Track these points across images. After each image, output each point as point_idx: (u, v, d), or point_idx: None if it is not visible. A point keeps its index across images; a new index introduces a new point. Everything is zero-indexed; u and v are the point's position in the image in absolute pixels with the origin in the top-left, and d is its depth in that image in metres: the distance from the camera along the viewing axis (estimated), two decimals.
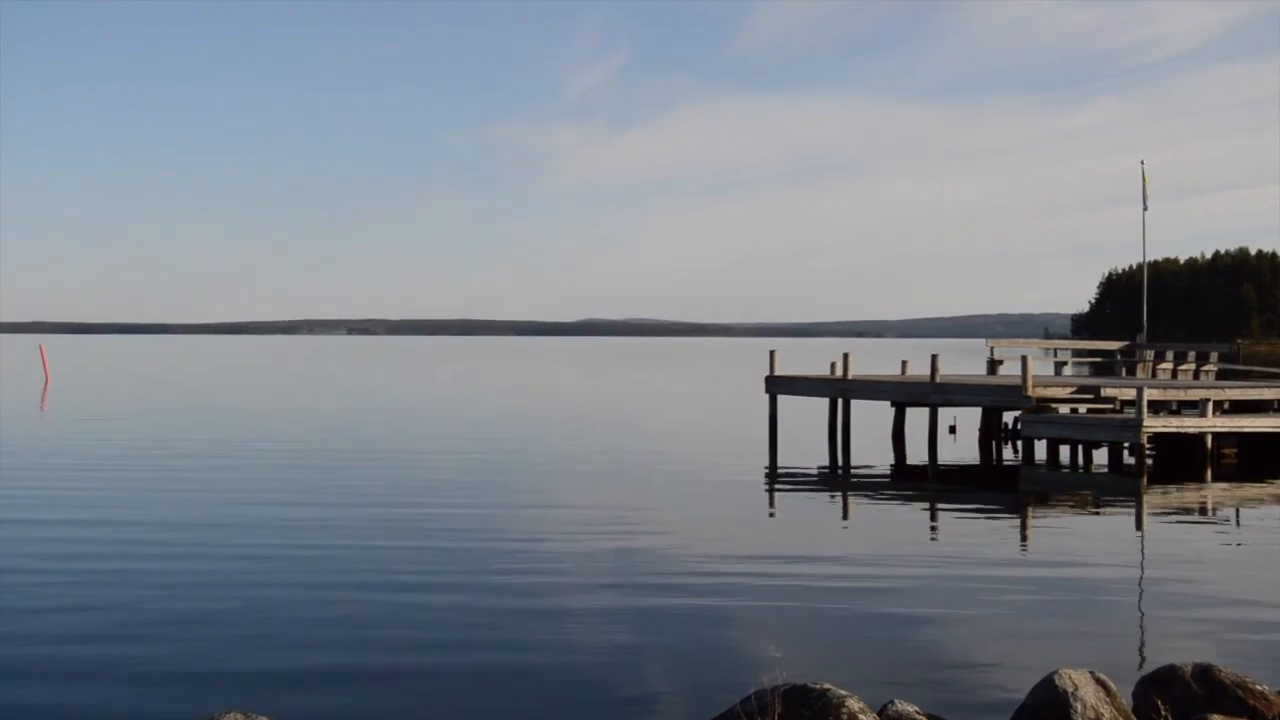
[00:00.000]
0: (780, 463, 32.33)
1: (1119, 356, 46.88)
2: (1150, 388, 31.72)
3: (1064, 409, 33.58)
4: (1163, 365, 42.87)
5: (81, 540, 19.10)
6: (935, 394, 34.63)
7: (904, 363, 42.74)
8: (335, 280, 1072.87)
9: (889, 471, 31.30)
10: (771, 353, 39.99)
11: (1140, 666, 11.30)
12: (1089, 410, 33.53)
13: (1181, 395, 33.65)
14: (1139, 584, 16.56)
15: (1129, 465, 30.36)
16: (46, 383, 73.43)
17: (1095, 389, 33.43)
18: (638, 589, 15.73)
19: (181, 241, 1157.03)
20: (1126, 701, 9.01)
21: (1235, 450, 31.42)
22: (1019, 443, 33.36)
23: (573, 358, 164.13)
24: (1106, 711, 8.58)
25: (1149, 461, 30.02)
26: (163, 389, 72.30)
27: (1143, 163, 48.22)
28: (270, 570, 16.83)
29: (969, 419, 39.68)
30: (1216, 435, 30.50)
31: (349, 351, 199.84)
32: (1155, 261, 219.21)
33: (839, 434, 36.82)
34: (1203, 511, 24.60)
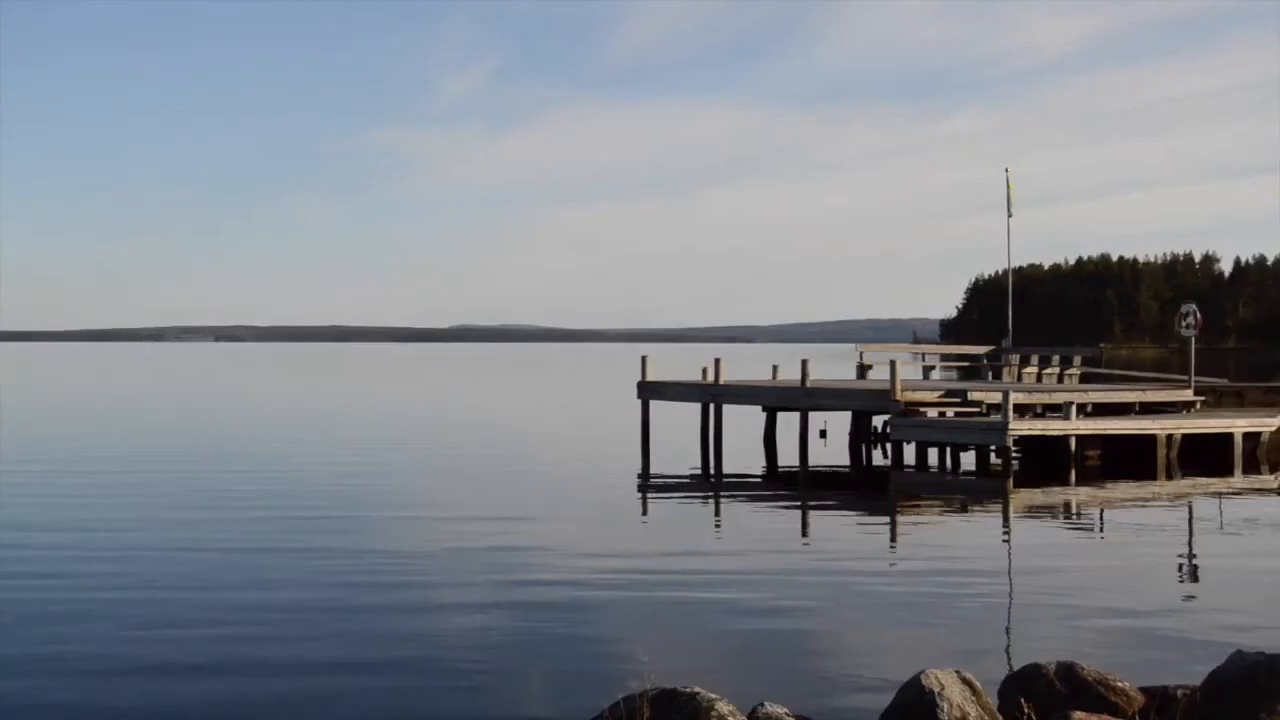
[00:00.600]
0: (652, 468, 32.34)
1: (985, 361, 47.52)
2: (1016, 391, 32.18)
3: (932, 413, 33.98)
4: (1028, 369, 43.54)
5: None
6: (805, 398, 34.86)
7: (775, 368, 42.97)
8: (203, 286, 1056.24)
9: (760, 475, 31.44)
10: (643, 358, 39.98)
11: (1007, 665, 11.41)
12: (956, 414, 33.93)
13: (1046, 399, 34.20)
14: (1005, 584, 16.75)
15: (996, 467, 30.78)
16: None
17: (962, 393, 33.85)
18: (506, 594, 15.60)
19: (45, 246, 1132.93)
20: (992, 700, 9.07)
21: (1098, 452, 31.95)
22: (888, 446, 33.67)
23: (445, 365, 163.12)
24: (972, 710, 8.63)
25: (1015, 464, 30.46)
26: (24, 398, 70.68)
27: (1007, 170, 48.71)
28: (134, 574, 16.46)
29: (839, 423, 40.00)
30: (1080, 437, 30.99)
31: (217, 359, 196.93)
32: (1020, 268, 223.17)
33: (711, 439, 36.89)
34: (1067, 512, 25.00)
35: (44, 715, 10.67)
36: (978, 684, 8.96)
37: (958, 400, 33.67)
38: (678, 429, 39.20)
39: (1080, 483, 28.70)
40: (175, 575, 16.81)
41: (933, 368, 50.38)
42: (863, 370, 44.28)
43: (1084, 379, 42.20)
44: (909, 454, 32.88)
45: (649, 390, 39.34)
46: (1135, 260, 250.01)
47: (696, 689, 8.78)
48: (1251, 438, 32.99)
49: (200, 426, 46.25)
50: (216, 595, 15.50)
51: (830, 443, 38.33)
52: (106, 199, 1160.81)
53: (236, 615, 14.31)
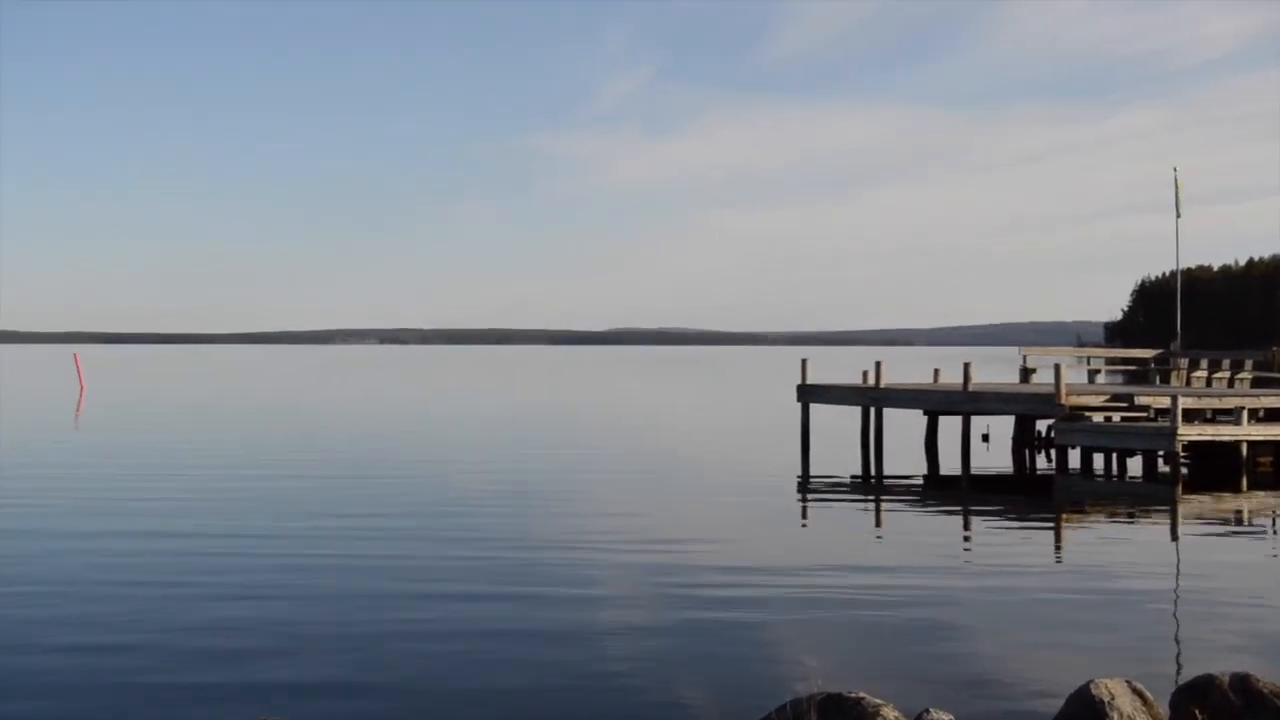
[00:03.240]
0: (812, 472, 32.28)
1: (1153, 364, 46.61)
2: (1185, 396, 31.54)
3: (1098, 417, 33.44)
4: (1197, 373, 42.63)
5: (110, 550, 19.19)
6: (968, 402, 34.53)
7: (936, 371, 42.62)
8: (367, 290, 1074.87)
9: (922, 480, 31.24)
10: (803, 361, 39.93)
11: (1177, 676, 11.25)
12: (1123, 419, 33.37)
13: (1216, 403, 33.46)
14: (1175, 593, 16.48)
15: (1164, 474, 30.20)
16: (81, 392, 73.92)
17: (1129, 397, 33.28)
18: (670, 599, 15.73)
19: (214, 251, 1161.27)
20: (1163, 711, 8.97)
21: (1271, 459, 31.24)
22: (1053, 451, 33.22)
23: (605, 367, 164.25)
24: None
25: (1184, 470, 29.88)
26: (196, 399, 72.62)
27: (1175, 169, 47.76)
28: (297, 580, 16.88)
29: (1002, 428, 39.56)
30: (1252, 443, 30.32)
31: (381, 361, 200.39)
32: (1189, 269, 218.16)
33: (871, 443, 36.73)
34: (1238, 520, 24.47)
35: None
36: (1148, 694, 8.87)
37: (1124, 405, 33.11)
38: (838, 432, 39.10)
39: (1252, 490, 28.07)
40: (339, 578, 17.22)
41: (1098, 371, 49.46)
42: (1026, 374, 43.70)
43: (1255, 383, 41.17)
44: (1074, 459, 32.43)
45: (809, 393, 39.28)
46: None
47: (862, 694, 8.82)
48: None
49: (364, 429, 47.10)
50: (372, 603, 15.83)
51: (993, 447, 37.93)
52: (275, 202, 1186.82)
53: (388, 619, 14.62)
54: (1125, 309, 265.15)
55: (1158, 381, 44.30)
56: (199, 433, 44.14)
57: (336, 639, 13.43)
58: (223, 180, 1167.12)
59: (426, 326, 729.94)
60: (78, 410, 58.33)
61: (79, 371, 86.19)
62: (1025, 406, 34.48)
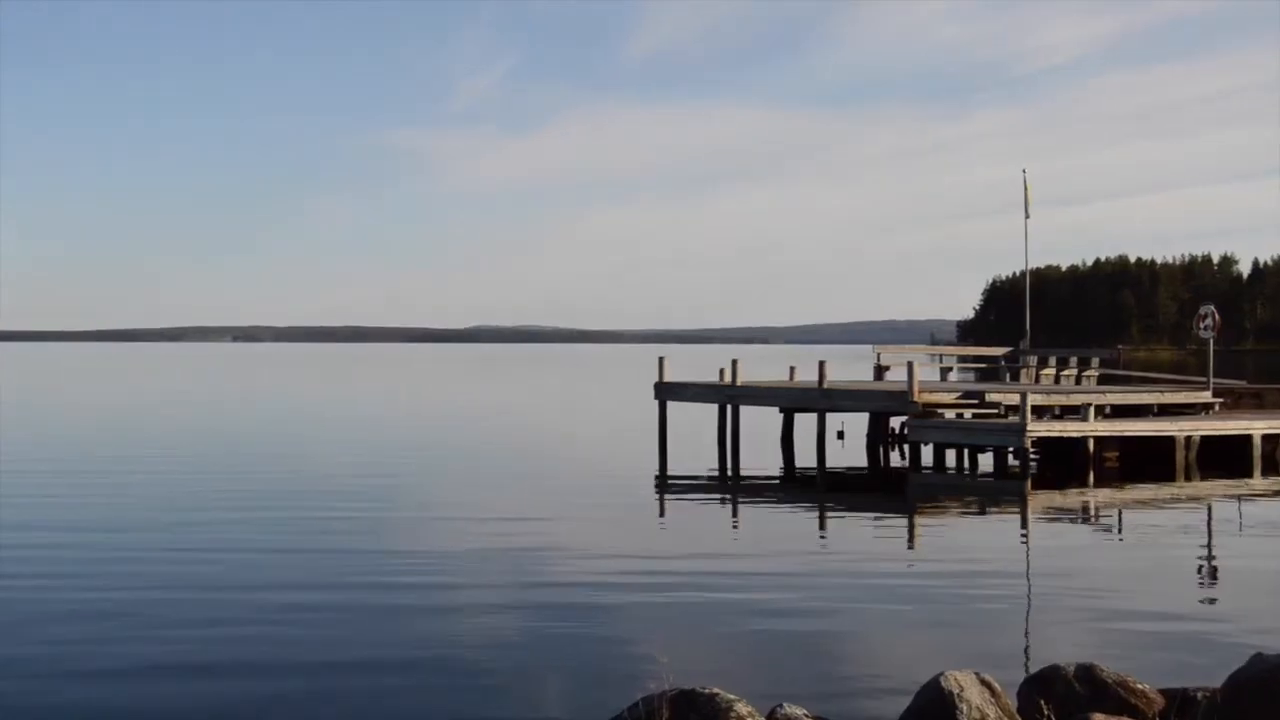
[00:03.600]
0: (670, 469, 32.33)
1: (1003, 362, 47.38)
2: (1034, 393, 32.14)
3: (950, 414, 33.95)
4: (1046, 371, 43.42)
5: None
6: (823, 400, 34.84)
7: (792, 369, 43.00)
8: (221, 286, 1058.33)
9: (778, 477, 31.43)
10: (660, 359, 40.01)
11: (1025, 667, 11.40)
12: (974, 415, 33.91)
13: (1064, 400, 34.15)
14: (1024, 586, 16.73)
15: (1014, 469, 30.74)
16: None
17: (980, 394, 33.80)
18: (523, 594, 15.63)
19: (63, 245, 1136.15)
20: (1011, 702, 9.06)
21: (1117, 454, 31.88)
22: (906, 447, 33.63)
23: (463, 365, 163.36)
24: (991, 712, 8.62)
25: (1033, 465, 30.43)
26: (39, 400, 70.94)
27: (1025, 171, 48.67)
28: (151, 574, 16.51)
29: (856, 424, 39.97)
30: (1099, 439, 30.94)
31: (235, 359, 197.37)
32: (1038, 269, 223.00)
33: (728, 440, 36.89)
34: (1085, 514, 24.95)
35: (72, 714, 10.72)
36: (997, 685, 8.95)
37: (975, 402, 33.63)
38: (695, 430, 39.21)
39: (1099, 485, 28.62)
40: (191, 576, 16.85)
41: (950, 369, 50.29)
42: (880, 372, 44.23)
43: (1102, 380, 42.06)
44: (927, 455, 32.86)
45: (666, 391, 39.36)
46: (1153, 261, 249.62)
47: (715, 690, 8.79)
48: (1271, 439, 32.85)
49: (218, 427, 46.35)
50: (228, 596, 15.52)
51: (848, 444, 38.28)
52: (126, 199, 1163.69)
53: (252, 616, 14.34)
54: (977, 308, 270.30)
55: (1008, 379, 45.07)
56: (51, 434, 43.08)
57: (165, 628, 13.15)
58: (73, 175, 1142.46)
59: (281, 324, 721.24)
60: None
61: None
62: (879, 404, 34.89)
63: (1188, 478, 30.00)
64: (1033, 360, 44.76)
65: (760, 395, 37.81)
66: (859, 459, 35.40)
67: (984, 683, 8.90)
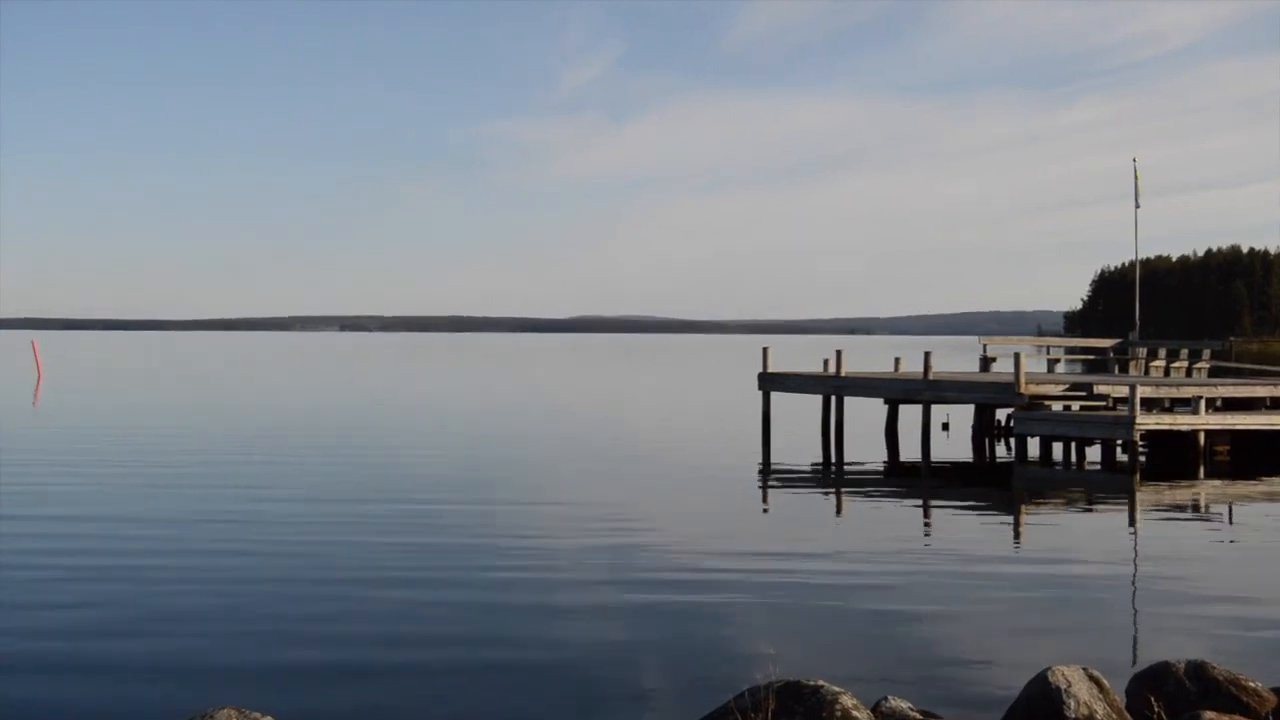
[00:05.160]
0: (773, 460, 32.31)
1: (1112, 354, 46.90)
2: (1143, 385, 31.74)
3: (1057, 406, 33.60)
4: (1155, 363, 42.90)
5: (71, 536, 19.08)
6: (928, 391, 34.66)
7: (897, 360, 42.77)
8: (328, 277, 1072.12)
9: (882, 468, 31.31)
10: (765, 349, 40.03)
11: (1134, 663, 11.31)
12: (1082, 408, 33.55)
13: (1174, 393, 33.69)
14: (1132, 581, 16.57)
15: (1122, 462, 30.41)
16: (39, 378, 73.38)
17: (1088, 386, 33.45)
18: (631, 586, 15.72)
19: (174, 238, 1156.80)
20: (1120, 698, 9.01)
21: (1228, 448, 31.46)
22: (1012, 440, 33.40)
23: (567, 355, 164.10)
24: (1099, 708, 8.58)
25: (1142, 459, 30.07)
26: (156, 385, 72.22)
27: (1135, 160, 48.21)
28: (265, 566, 16.81)
29: (962, 416, 39.70)
30: (1209, 432, 30.53)
31: (343, 348, 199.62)
32: (1148, 259, 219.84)
33: (832, 431, 36.82)
34: (1195, 509, 24.62)
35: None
36: (1105, 682, 8.91)
37: (1083, 394, 33.29)
38: (799, 421, 39.17)
39: (1209, 479, 28.24)
40: (293, 568, 17.14)
41: (1057, 361, 49.74)
42: (986, 363, 43.90)
43: (1213, 373, 41.48)
44: (1033, 448, 32.58)
45: (770, 382, 39.36)
46: (1266, 251, 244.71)
47: (821, 682, 8.82)
48: None
49: (324, 417, 46.89)
50: (337, 590, 15.76)
51: (953, 436, 38.06)
52: (237, 190, 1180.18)
53: (359, 609, 14.57)
54: (1085, 299, 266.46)
55: (1116, 370, 44.57)
56: (157, 419, 43.84)
57: (299, 624, 13.38)
58: (184, 168, 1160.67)
59: (387, 314, 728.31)
60: (35, 397, 57.87)
61: (37, 358, 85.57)
62: (985, 395, 34.63)
63: None
64: (1142, 352, 44.23)
65: (865, 386, 37.68)
66: (964, 451, 35.16)
67: (1092, 678, 8.86)
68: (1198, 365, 42.25)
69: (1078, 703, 8.56)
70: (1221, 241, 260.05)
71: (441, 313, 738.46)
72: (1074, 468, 31.45)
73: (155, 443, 34.45)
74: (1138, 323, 49.24)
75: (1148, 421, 29.71)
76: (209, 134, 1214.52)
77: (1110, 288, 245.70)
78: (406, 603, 14.62)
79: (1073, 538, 20.53)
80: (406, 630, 13.28)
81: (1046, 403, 32.90)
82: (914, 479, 29.58)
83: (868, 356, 66.29)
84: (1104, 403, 32.78)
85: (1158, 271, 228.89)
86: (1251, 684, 9.12)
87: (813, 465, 31.39)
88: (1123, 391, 31.56)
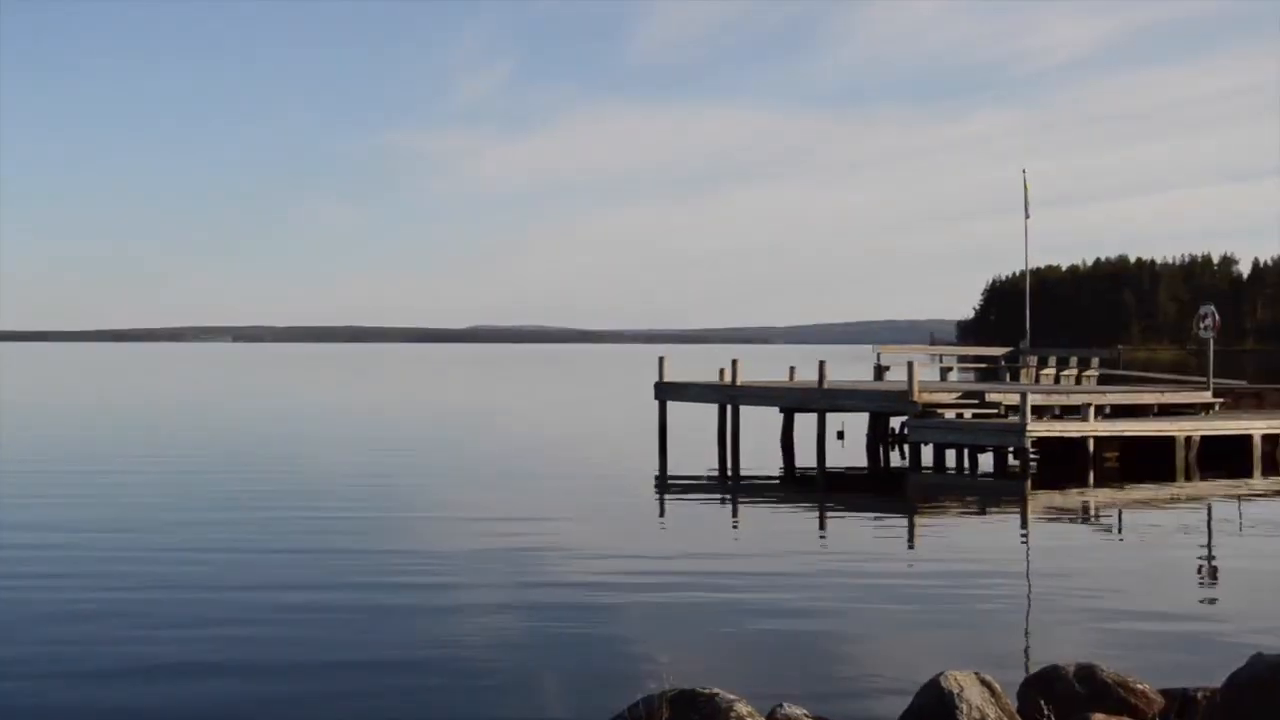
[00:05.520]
0: (670, 469, 32.31)
1: (1003, 362, 47.40)
2: (1034, 393, 32.16)
3: (950, 414, 33.94)
4: (1046, 371, 43.42)
5: None
6: (823, 399, 34.85)
7: (792, 369, 42.99)
8: (221, 287, 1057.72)
9: (778, 477, 31.42)
10: (661, 359, 40.03)
11: (1026, 667, 11.39)
12: (974, 415, 33.92)
13: (1064, 400, 34.15)
14: (1024, 586, 16.73)
15: (1014, 469, 30.75)
16: None
17: (980, 394, 33.81)
18: (523, 595, 15.62)
19: (61, 248, 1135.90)
20: (1011, 702, 9.06)
21: (1117, 454, 31.91)
22: (906, 447, 33.63)
23: (462, 365, 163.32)
24: (991, 712, 8.62)
25: (1033, 465, 30.44)
26: (46, 398, 70.93)
27: (1024, 171, 48.82)
28: (150, 574, 16.51)
29: (857, 424, 39.96)
30: (1098, 439, 30.95)
31: (234, 359, 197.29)
32: (1038, 269, 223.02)
33: (728, 440, 36.90)
34: (1085, 514, 24.95)
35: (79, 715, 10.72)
36: (997, 686, 8.95)
37: (975, 402, 33.64)
38: (695, 430, 39.20)
39: (1099, 485, 28.62)
40: (192, 576, 16.84)
41: (950, 369, 50.27)
42: (880, 371, 44.28)
43: (1102, 380, 42.06)
44: (927, 455, 32.86)
45: (666, 391, 39.38)
46: (1153, 262, 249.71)
47: (715, 690, 8.79)
48: (1270, 439, 32.88)
49: (217, 428, 46.33)
50: (231, 596, 15.52)
51: (848, 444, 38.27)
52: (125, 200, 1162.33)
53: (252, 615, 14.34)
54: (977, 308, 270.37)
55: (1008, 379, 45.07)
56: (52, 434, 43.06)
57: (154, 627, 13.14)
58: (72, 175, 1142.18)
59: (281, 324, 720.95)
60: None
61: None
62: (879, 404, 34.91)
63: (1188, 478, 30.01)
64: (1033, 360, 44.75)
65: (760, 395, 37.83)
66: (859, 459, 35.39)
67: (984, 682, 8.90)
68: (1087, 373, 42.83)
69: (970, 707, 8.59)
70: (1110, 252, 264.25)
71: (338, 323, 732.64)
72: (967, 474, 31.75)
73: (46, 457, 33.81)
74: (1028, 331, 49.75)
75: (1038, 429, 30.10)
76: (100, 141, 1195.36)
77: (1001, 297, 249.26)
78: (296, 608, 14.41)
79: (966, 543, 20.71)
80: (292, 634, 13.10)
81: (940, 410, 33.22)
82: (810, 487, 29.72)
83: (763, 365, 66.58)
84: (996, 410, 33.17)
85: (1048, 281, 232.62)
86: (1140, 685, 9.20)
87: (709, 474, 31.44)
88: (1014, 399, 31.95)
